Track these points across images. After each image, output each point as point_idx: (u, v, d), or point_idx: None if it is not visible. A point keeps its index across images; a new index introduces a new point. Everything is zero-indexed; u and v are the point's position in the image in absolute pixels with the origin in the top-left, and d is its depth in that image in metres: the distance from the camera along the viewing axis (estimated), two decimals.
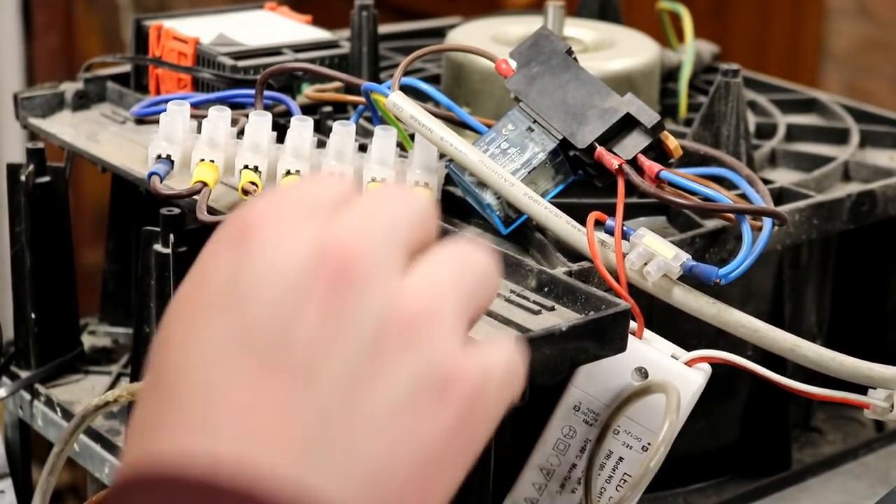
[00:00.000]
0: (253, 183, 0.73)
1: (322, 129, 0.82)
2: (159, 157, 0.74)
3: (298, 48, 0.90)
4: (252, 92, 0.82)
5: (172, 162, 0.74)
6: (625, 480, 0.67)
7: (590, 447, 0.67)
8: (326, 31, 0.94)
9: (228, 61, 0.87)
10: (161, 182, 0.73)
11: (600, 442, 0.67)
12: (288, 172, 0.73)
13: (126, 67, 0.94)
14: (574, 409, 0.67)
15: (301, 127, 0.74)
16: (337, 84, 0.86)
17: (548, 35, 0.75)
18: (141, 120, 0.87)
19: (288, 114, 0.81)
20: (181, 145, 0.74)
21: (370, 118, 0.82)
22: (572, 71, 0.74)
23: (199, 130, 0.76)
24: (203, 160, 0.74)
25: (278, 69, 0.82)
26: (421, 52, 0.78)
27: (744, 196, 0.76)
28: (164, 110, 0.75)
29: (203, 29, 0.91)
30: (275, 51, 0.89)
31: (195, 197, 0.73)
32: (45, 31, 2.34)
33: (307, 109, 0.85)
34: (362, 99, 0.79)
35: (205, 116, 0.75)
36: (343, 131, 0.74)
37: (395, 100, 0.73)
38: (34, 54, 2.35)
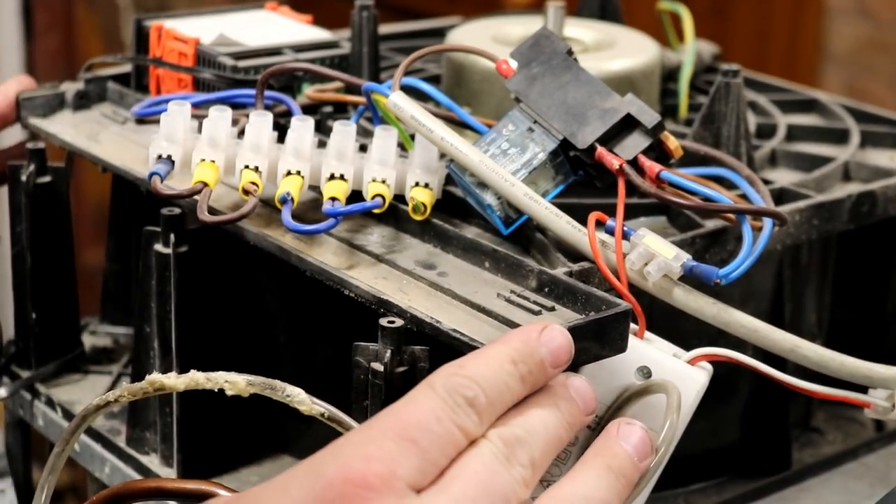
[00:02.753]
0: (254, 183, 0.73)
1: (322, 129, 0.82)
2: (160, 157, 0.74)
3: (299, 48, 0.90)
4: (252, 92, 0.82)
5: (173, 162, 0.74)
6: None
7: None
8: (327, 30, 0.94)
9: (229, 61, 0.87)
10: (162, 182, 0.73)
11: None
12: (289, 172, 0.73)
13: (126, 67, 0.94)
14: None
15: (302, 127, 0.74)
16: (337, 84, 0.86)
17: (548, 35, 0.75)
18: (141, 120, 0.87)
19: (289, 114, 0.81)
20: (182, 145, 0.74)
21: (371, 118, 0.82)
22: (573, 71, 0.74)
23: (199, 130, 0.76)
24: (204, 160, 0.74)
25: (279, 69, 0.82)
26: (421, 53, 0.78)
27: (744, 196, 0.76)
28: (165, 110, 0.75)
29: (203, 29, 0.91)
30: (275, 51, 0.89)
31: (196, 197, 0.73)
32: (45, 31, 2.35)
33: (308, 109, 0.85)
34: (363, 99, 0.79)
35: (205, 116, 0.75)
36: (344, 131, 0.74)
37: (395, 100, 0.73)
38: (34, 54, 2.35)
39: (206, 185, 0.73)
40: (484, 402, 0.56)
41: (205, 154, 0.74)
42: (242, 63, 0.87)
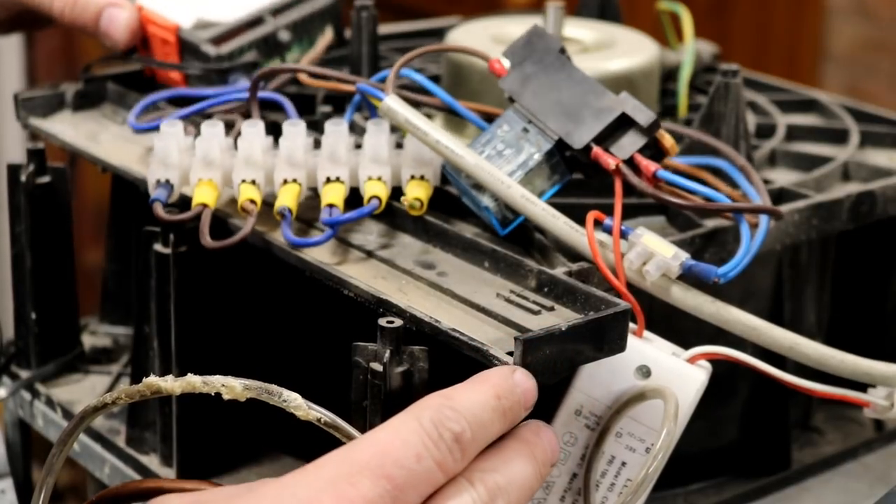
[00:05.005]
0: (251, 200, 0.73)
1: (319, 128, 0.82)
2: (158, 182, 0.75)
3: (278, 10, 0.89)
4: (245, 85, 0.82)
5: (172, 185, 0.75)
6: (627, 487, 0.66)
7: (590, 452, 0.67)
8: None
9: (211, 50, 0.86)
10: (164, 206, 0.74)
11: (600, 445, 0.66)
12: (285, 181, 0.73)
13: (127, 68, 0.94)
14: (576, 414, 0.67)
15: (293, 133, 0.74)
16: (328, 41, 0.85)
17: (540, 34, 0.75)
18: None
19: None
20: (178, 167, 0.75)
21: (368, 117, 0.82)
22: (566, 70, 0.74)
23: (197, 133, 0.76)
24: (201, 180, 0.74)
25: (269, 71, 0.82)
26: (414, 53, 0.78)
27: (742, 194, 0.76)
28: (159, 121, 0.75)
29: (182, 7, 0.90)
30: (256, 20, 0.88)
31: (200, 215, 0.73)
32: (45, 31, 2.34)
33: (303, 98, 0.84)
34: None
35: (204, 116, 0.75)
36: (335, 132, 0.74)
37: (389, 104, 0.73)
38: (34, 55, 2.35)
39: (206, 206, 0.73)
40: (469, 437, 0.56)
41: (201, 174, 0.74)
42: (225, 48, 0.86)
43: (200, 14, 0.89)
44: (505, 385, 0.59)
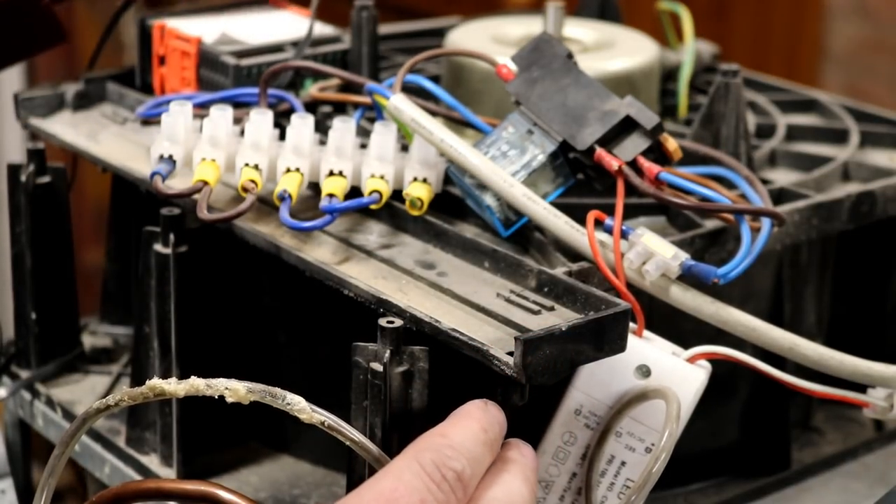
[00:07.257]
0: (252, 181, 0.73)
1: (321, 129, 0.82)
2: (161, 157, 0.75)
3: (298, 44, 0.90)
4: (255, 90, 0.83)
5: (175, 162, 0.75)
6: (627, 486, 0.66)
7: (591, 452, 0.67)
8: (329, 25, 0.94)
9: (231, 60, 0.87)
10: (163, 182, 0.74)
11: (601, 445, 0.66)
12: (288, 169, 0.73)
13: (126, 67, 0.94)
14: (575, 413, 0.67)
15: (301, 124, 0.74)
16: (337, 81, 0.86)
17: (549, 40, 0.76)
18: (146, 121, 0.87)
19: (292, 111, 0.81)
20: (183, 145, 0.75)
21: (372, 118, 0.82)
22: (573, 74, 0.74)
23: (201, 130, 0.76)
24: (204, 159, 0.74)
25: (281, 67, 0.82)
26: (424, 56, 0.78)
27: (743, 196, 0.76)
28: (167, 110, 0.75)
29: (206, 27, 0.91)
30: (277, 48, 0.89)
31: (196, 196, 0.73)
32: None
33: (311, 107, 0.85)
34: (367, 99, 0.80)
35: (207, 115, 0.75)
36: (343, 128, 0.74)
37: (395, 103, 0.73)
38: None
39: (206, 183, 0.73)
40: (469, 475, 0.57)
41: (205, 153, 0.74)
42: (245, 62, 0.87)
43: (225, 32, 0.90)
44: (486, 418, 0.60)
